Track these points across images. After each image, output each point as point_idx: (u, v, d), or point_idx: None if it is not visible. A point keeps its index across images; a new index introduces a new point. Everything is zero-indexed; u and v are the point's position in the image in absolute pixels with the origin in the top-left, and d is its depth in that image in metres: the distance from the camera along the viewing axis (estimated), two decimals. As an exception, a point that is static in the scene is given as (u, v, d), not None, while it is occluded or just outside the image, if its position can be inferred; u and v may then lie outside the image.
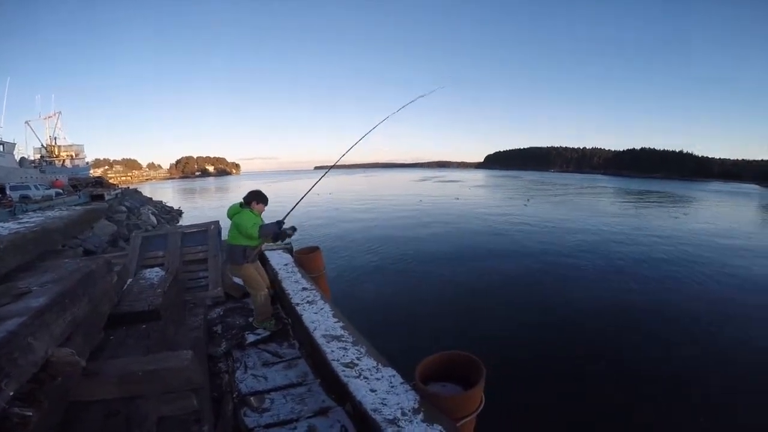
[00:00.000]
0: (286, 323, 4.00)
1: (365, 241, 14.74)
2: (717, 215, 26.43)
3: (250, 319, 4.03)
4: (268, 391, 2.87)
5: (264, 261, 5.37)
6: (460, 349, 2.58)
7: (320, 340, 2.99)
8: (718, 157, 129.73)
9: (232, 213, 3.82)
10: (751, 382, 5.61)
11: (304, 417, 2.57)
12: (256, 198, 3.90)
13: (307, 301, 3.75)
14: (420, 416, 2.09)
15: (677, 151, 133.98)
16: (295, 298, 3.86)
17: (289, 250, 5.75)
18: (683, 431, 4.79)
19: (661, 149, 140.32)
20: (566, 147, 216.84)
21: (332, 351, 2.83)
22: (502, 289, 9.06)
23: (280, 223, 3.83)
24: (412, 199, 32.23)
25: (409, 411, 2.13)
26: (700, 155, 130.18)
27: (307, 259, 5.02)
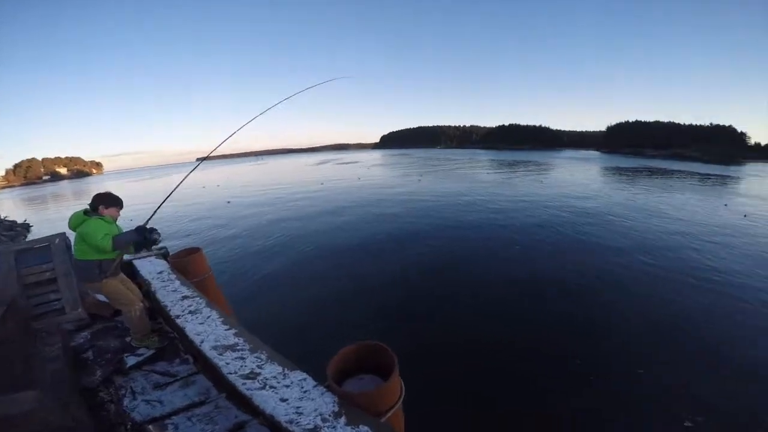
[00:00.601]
0: (172, 337, 3.31)
1: (264, 235, 13.58)
2: (571, 178, 31.93)
3: (128, 339, 3.31)
4: (169, 416, 2.37)
5: (133, 272, 4.43)
6: (372, 339, 2.39)
7: (210, 353, 2.49)
8: (567, 130, 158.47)
9: (75, 223, 3.00)
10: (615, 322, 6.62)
11: None
12: (104, 202, 3.12)
13: (189, 311, 3.13)
14: (342, 419, 1.86)
15: (537, 126, 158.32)
16: (175, 310, 3.20)
17: (163, 255, 4.83)
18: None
19: (524, 125, 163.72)
20: (449, 125, 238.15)
21: (227, 363, 2.36)
22: (407, 272, 9.12)
23: (141, 229, 3.09)
24: (314, 185, 31.18)
25: (330, 416, 1.89)
26: (555, 129, 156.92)
27: (186, 263, 4.24)
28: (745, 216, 15.83)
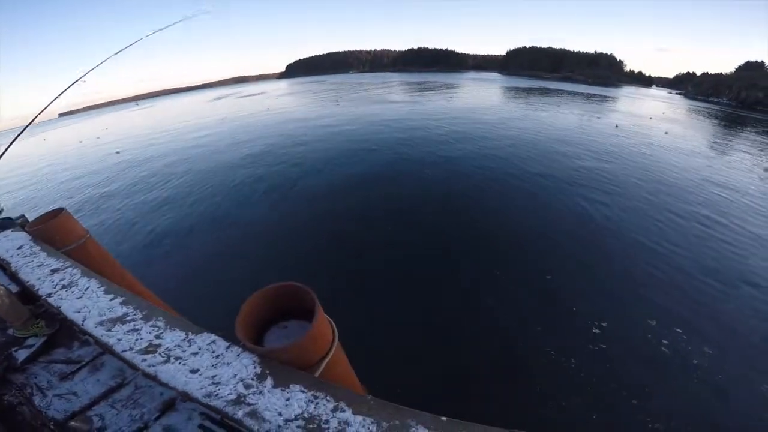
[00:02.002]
0: (63, 318, 2.81)
1: (161, 184, 12.03)
2: (475, 95, 33.25)
3: (10, 331, 2.73)
4: (90, 407, 2.08)
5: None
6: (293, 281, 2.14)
7: (97, 331, 2.14)
8: (471, 54, 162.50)
9: None
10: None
11: (152, 420, 1.97)
12: None
13: (63, 286, 2.62)
14: (268, 381, 1.68)
15: (444, 49, 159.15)
16: (44, 288, 2.65)
17: (21, 225, 3.91)
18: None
19: (433, 48, 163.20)
20: (360, 50, 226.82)
21: (119, 340, 2.06)
22: (313, 203, 8.99)
23: None
24: (212, 122, 27.64)
25: (253, 380, 1.70)
26: (459, 52, 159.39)
27: (50, 228, 3.46)
28: (616, 126, 18.81)
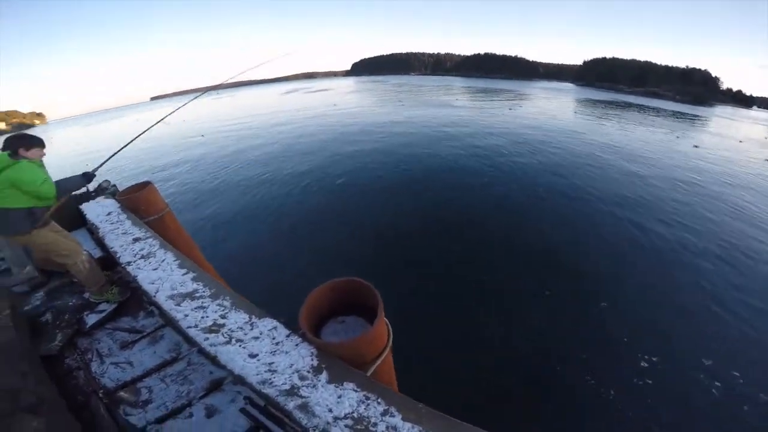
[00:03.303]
0: (134, 287, 2.99)
1: (241, 169, 12.71)
2: (545, 106, 31.56)
3: (86, 295, 2.94)
4: (141, 378, 2.16)
5: (73, 217, 3.88)
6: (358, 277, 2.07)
7: (167, 304, 2.19)
8: (543, 62, 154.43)
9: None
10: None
11: (196, 398, 1.98)
12: (24, 142, 2.54)
13: (141, 256, 2.76)
14: (323, 376, 1.62)
15: (513, 56, 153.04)
16: (125, 256, 2.82)
17: (112, 194, 4.28)
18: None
19: (501, 54, 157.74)
20: (423, 52, 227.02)
21: (186, 315, 2.09)
22: (387, 206, 8.78)
23: (88, 176, 2.86)
24: (286, 114, 29.08)
25: (309, 372, 1.65)
26: (530, 59, 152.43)
27: (136, 199, 3.73)
28: (695, 147, 16.85)
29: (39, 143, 2.63)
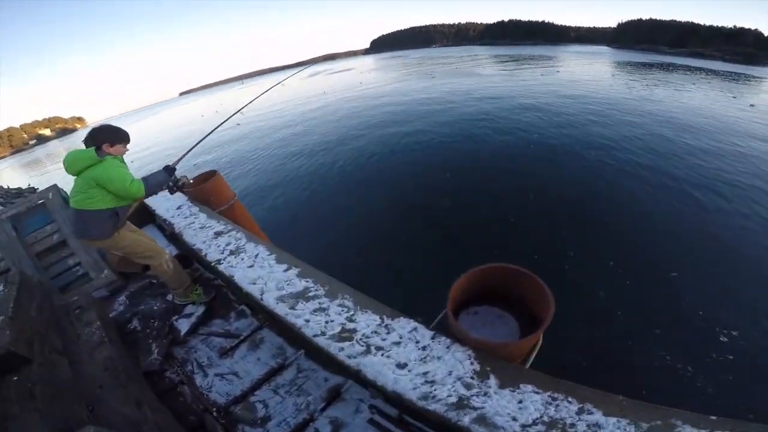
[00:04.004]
0: (218, 285, 2.77)
1: (284, 154, 12.56)
2: (581, 70, 29.39)
3: (170, 297, 2.78)
4: (252, 391, 1.96)
5: (139, 214, 3.73)
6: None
7: (280, 309, 1.92)
8: (573, 26, 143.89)
9: (84, 165, 2.19)
10: None
11: (317, 411, 1.77)
12: (109, 137, 2.31)
13: (230, 252, 2.51)
14: (493, 381, 1.35)
15: (540, 21, 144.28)
16: (212, 253, 2.58)
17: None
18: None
19: (526, 20, 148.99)
20: (443, 23, 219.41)
21: (307, 321, 1.80)
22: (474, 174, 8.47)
23: (171, 170, 2.67)
24: (314, 97, 28.75)
25: (474, 378, 1.38)
26: (559, 24, 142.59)
27: (207, 190, 3.52)
28: (751, 106, 15.13)
29: (125, 138, 2.39)
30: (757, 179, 7.67)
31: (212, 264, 2.39)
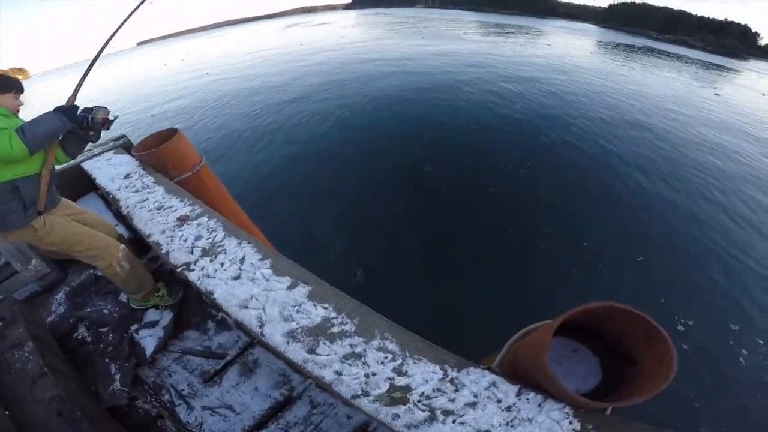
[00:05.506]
0: (187, 284, 2.15)
1: (265, 108, 11.41)
2: (564, 47, 29.24)
3: (124, 297, 2.18)
4: (258, 429, 1.56)
5: (77, 183, 2.94)
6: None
7: (295, 354, 1.38)
8: (563, 0, 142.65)
9: None
10: None
11: None
12: None
13: (203, 250, 1.88)
14: None
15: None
16: (177, 253, 1.91)
17: (124, 147, 3.30)
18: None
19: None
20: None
21: (338, 375, 1.26)
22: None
23: (66, 110, 1.72)
24: (292, 48, 26.75)
25: None
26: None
27: (164, 153, 2.76)
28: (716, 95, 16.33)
29: (11, 86, 1.67)
30: (695, 170, 8.11)
31: (178, 269, 1.75)
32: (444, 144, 8.14)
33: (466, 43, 24.89)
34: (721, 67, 32.99)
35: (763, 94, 20.00)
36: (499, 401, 1.16)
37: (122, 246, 1.97)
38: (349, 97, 11.36)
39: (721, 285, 5.13)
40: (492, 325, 3.95)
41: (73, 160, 2.92)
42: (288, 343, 1.31)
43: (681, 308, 4.71)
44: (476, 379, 1.21)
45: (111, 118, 1.83)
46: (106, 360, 1.78)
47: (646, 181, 7.23)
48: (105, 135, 3.36)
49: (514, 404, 1.15)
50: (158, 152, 2.73)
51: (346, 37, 30.96)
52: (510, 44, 26.30)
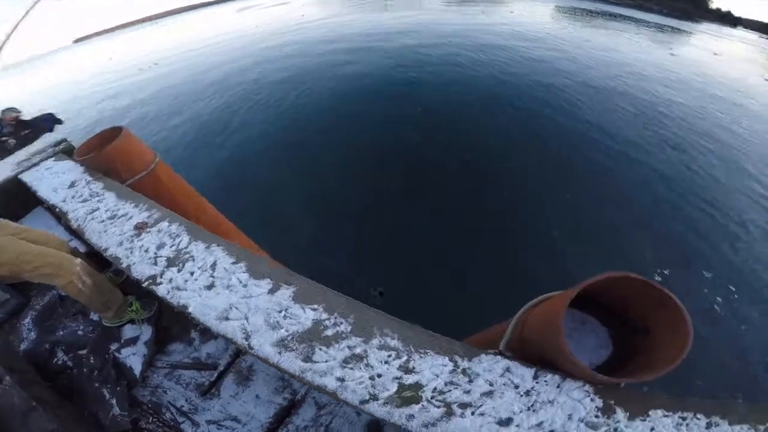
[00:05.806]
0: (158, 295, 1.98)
1: (226, 99, 10.76)
2: (528, 12, 29.58)
3: (95, 317, 2.01)
4: None
5: (18, 198, 2.64)
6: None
7: (290, 365, 1.27)
8: None
9: None
10: None
11: None
12: None
13: (168, 260, 1.70)
14: (620, 415, 1.06)
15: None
16: (140, 266, 1.72)
17: (65, 152, 2.96)
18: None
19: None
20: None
21: (341, 381, 1.18)
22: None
23: None
24: (248, 31, 25.43)
25: (598, 417, 1.05)
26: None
27: (111, 155, 2.48)
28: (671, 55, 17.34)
29: None
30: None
31: (144, 284, 1.56)
32: (411, 121, 8.04)
33: (432, 13, 24.47)
34: (675, 29, 34.46)
35: (715, 54, 21.14)
36: (516, 387, 1.10)
37: (78, 260, 1.75)
38: (309, 77, 11.05)
39: (690, 238, 5.42)
40: (479, 303, 4.01)
41: (9, 173, 2.59)
42: (280, 353, 1.18)
43: (656, 260, 4.97)
44: (489, 366, 1.13)
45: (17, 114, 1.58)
46: (96, 385, 1.66)
47: (611, 141, 7.62)
48: (44, 140, 3.04)
49: (533, 388, 1.10)
50: (104, 154, 2.45)
51: (305, 15, 29.73)
52: (473, 12, 26.14)
